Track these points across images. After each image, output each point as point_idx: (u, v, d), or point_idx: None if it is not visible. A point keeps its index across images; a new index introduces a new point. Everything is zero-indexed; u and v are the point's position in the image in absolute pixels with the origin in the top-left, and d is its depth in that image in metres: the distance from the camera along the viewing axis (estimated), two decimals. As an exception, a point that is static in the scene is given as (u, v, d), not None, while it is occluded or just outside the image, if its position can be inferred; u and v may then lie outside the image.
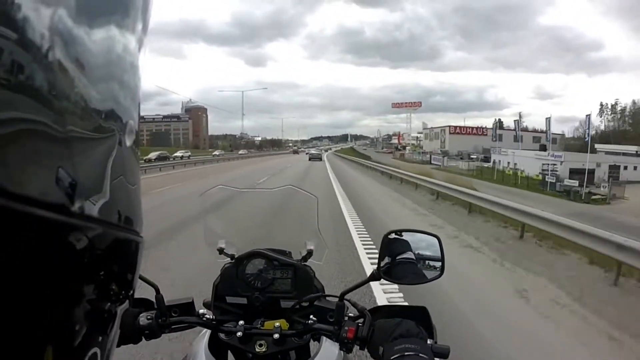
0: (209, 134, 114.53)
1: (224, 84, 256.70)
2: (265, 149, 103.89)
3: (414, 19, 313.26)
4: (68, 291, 0.24)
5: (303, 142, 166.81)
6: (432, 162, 50.42)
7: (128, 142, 0.30)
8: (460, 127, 67.28)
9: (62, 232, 0.23)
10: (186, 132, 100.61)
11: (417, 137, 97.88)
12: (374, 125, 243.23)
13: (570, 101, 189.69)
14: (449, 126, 67.79)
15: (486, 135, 61.80)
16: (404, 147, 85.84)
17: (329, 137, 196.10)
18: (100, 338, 0.28)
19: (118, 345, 0.37)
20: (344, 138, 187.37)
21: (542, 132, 58.85)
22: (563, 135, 61.94)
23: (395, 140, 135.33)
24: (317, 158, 34.34)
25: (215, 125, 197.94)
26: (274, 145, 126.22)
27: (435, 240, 0.73)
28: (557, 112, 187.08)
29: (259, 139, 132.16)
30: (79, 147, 0.24)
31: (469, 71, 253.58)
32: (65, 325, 0.24)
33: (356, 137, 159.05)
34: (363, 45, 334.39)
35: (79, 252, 0.24)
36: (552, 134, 62.66)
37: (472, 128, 67.07)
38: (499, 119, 73.66)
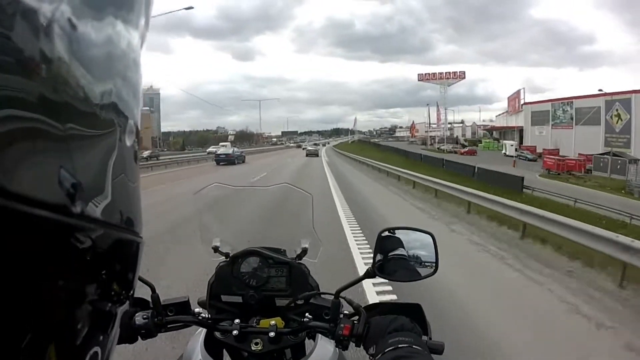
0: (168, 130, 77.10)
1: (211, 79, 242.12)
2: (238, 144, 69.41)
3: (405, 11, 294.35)
4: (69, 291, 0.24)
5: (285, 134, 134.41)
6: None
7: (128, 142, 0.29)
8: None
9: (63, 232, 0.23)
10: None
11: (460, 123, 67.42)
12: (364, 120, 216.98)
13: (560, 95, 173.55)
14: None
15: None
16: (476, 142, 52.82)
17: (318, 132, 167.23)
18: (101, 337, 0.28)
19: None
20: (335, 132, 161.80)
21: None
22: None
23: (400, 133, 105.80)
24: (314, 154, 35.92)
25: (204, 122, 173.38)
26: (247, 139, 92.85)
27: (430, 238, 0.72)
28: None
29: (234, 132, 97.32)
30: (79, 145, 0.24)
31: (460, 64, 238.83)
32: (67, 324, 0.24)
33: (352, 132, 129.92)
34: (353, 38, 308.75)
35: (80, 253, 0.24)
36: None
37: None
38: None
